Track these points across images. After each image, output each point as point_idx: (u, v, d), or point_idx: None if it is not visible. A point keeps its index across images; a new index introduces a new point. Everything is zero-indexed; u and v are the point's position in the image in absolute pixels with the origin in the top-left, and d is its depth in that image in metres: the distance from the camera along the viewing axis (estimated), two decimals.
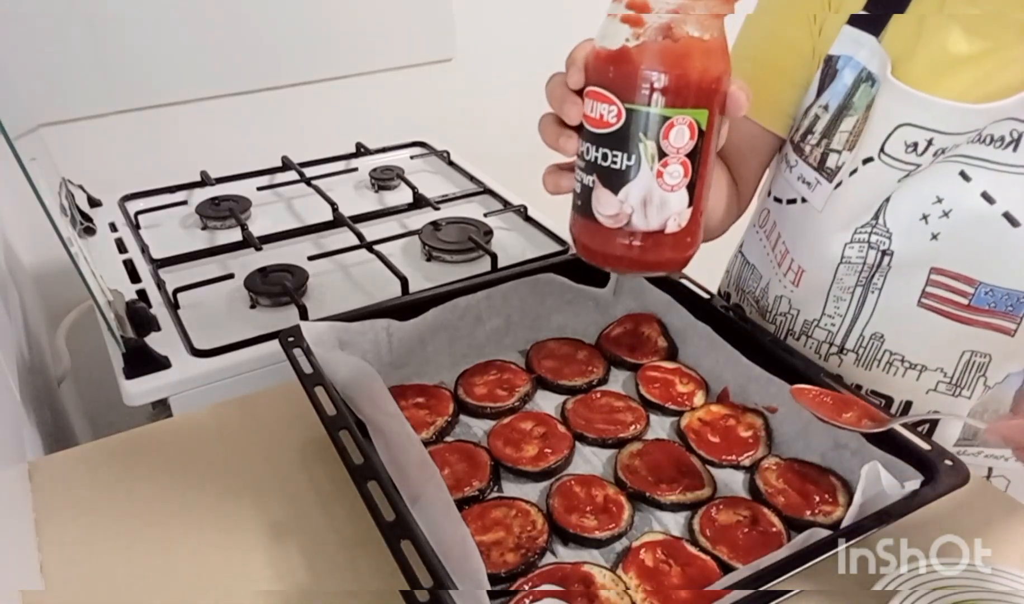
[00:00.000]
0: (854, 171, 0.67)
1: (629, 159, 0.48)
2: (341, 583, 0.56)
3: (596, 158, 0.49)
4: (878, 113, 0.65)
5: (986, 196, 0.62)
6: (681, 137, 0.47)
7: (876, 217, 0.68)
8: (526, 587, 0.53)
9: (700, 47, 0.46)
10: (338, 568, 0.58)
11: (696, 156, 0.49)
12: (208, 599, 0.56)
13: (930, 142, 0.63)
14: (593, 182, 0.50)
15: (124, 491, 0.65)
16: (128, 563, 0.59)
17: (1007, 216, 0.62)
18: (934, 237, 0.65)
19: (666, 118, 0.47)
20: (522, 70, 1.47)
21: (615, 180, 0.49)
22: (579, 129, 0.51)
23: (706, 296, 0.78)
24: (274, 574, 0.57)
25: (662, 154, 0.48)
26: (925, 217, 0.65)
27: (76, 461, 0.69)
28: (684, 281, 0.79)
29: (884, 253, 0.68)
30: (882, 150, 0.66)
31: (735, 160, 0.79)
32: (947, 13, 0.64)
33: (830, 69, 0.70)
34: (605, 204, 0.50)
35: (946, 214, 0.64)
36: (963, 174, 0.63)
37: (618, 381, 0.76)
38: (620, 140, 0.48)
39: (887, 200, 0.67)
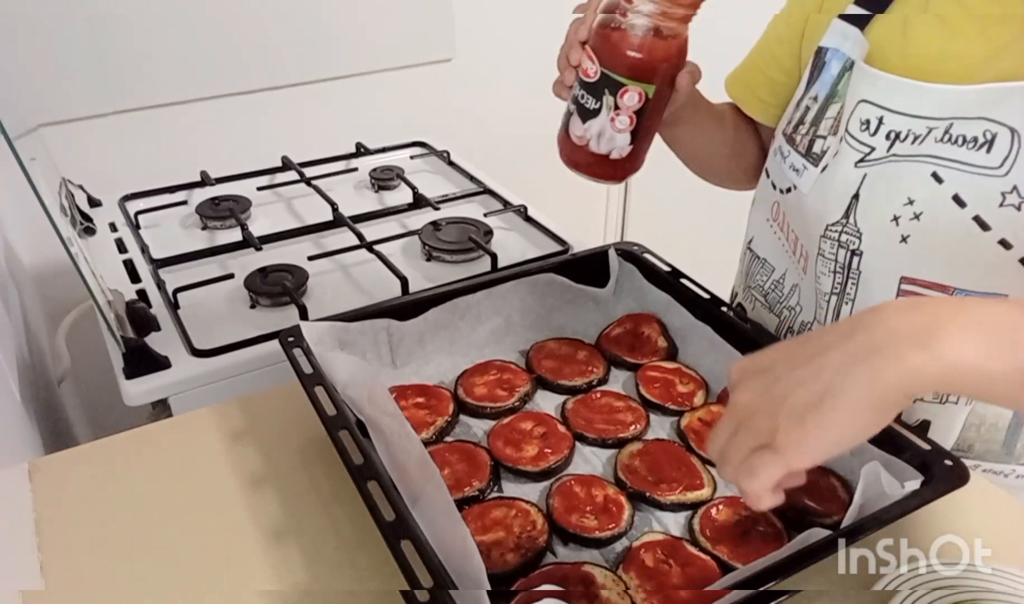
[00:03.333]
0: (836, 153, 0.68)
1: (596, 104, 0.67)
2: (341, 583, 0.56)
3: (578, 96, 0.68)
4: (848, 94, 0.66)
5: (957, 199, 0.61)
6: (632, 99, 0.66)
7: (847, 216, 0.67)
8: (526, 587, 0.53)
9: (658, 43, 0.64)
10: (338, 568, 0.58)
11: (642, 114, 0.67)
12: (208, 599, 0.56)
13: (880, 120, 0.63)
14: (573, 111, 0.69)
15: (124, 491, 0.65)
16: (128, 563, 0.59)
17: (977, 220, 0.61)
18: (904, 239, 0.64)
19: (622, 84, 0.65)
20: (522, 70, 1.47)
21: (585, 115, 0.68)
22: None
23: (706, 296, 0.78)
24: (274, 574, 0.57)
25: (616, 107, 0.66)
26: (896, 218, 0.64)
27: (76, 461, 0.69)
28: (684, 281, 0.79)
29: (854, 253, 0.68)
30: (846, 129, 0.66)
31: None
32: (932, 12, 0.64)
33: (819, 61, 0.70)
34: (576, 128, 0.69)
35: (917, 216, 0.63)
36: (935, 175, 0.62)
37: (618, 381, 0.76)
38: (593, 90, 0.67)
39: (855, 197, 0.66)
